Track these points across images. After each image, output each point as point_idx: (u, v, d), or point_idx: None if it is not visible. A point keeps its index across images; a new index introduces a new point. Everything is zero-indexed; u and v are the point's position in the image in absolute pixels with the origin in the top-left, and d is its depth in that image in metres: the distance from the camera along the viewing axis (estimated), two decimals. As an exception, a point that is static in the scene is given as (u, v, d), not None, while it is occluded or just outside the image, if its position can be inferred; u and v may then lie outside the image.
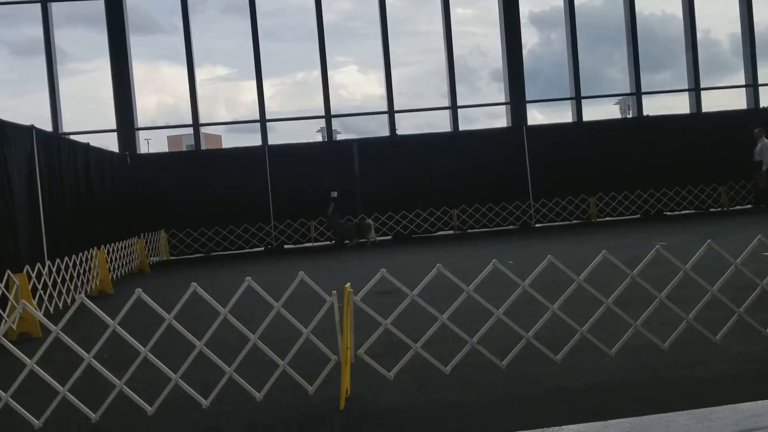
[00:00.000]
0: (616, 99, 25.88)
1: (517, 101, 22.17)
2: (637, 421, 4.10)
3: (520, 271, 5.46)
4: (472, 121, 28.44)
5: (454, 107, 22.11)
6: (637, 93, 22.79)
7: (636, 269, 5.21)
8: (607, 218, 21.11)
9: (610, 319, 5.78)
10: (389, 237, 20.42)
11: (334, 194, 19.24)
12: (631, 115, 24.06)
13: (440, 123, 23.07)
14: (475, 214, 20.67)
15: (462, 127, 22.10)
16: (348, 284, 5.00)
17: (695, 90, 22.95)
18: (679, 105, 24.18)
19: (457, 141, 21.04)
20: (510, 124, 22.09)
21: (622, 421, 4.12)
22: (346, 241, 19.16)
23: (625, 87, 23.49)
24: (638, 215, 21.25)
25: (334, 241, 19.78)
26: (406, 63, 35.68)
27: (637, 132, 21.36)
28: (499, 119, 23.37)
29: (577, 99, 22.52)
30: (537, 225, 20.97)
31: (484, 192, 20.57)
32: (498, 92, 23.42)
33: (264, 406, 4.91)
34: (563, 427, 4.14)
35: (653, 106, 25.77)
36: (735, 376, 4.92)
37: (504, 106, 22.65)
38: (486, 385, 5.09)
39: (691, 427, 3.95)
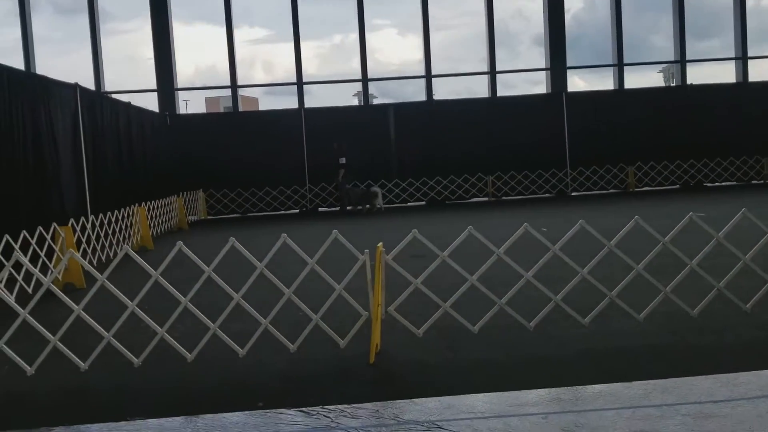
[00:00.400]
0: (660, 67, 25.22)
1: (557, 67, 21.79)
2: (661, 383, 4.16)
3: (553, 238, 5.50)
4: (511, 87, 28.10)
5: (492, 72, 21.85)
6: (682, 61, 22.19)
7: (668, 236, 5.22)
8: (646, 188, 20.81)
9: (640, 285, 5.80)
10: (423, 202, 20.47)
11: (343, 160, 19.06)
12: (674, 84, 23.48)
13: (479, 89, 22.85)
14: (510, 181, 20.56)
15: (501, 93, 21.85)
16: (380, 244, 5.11)
17: (742, 59, 22.24)
18: (724, 74, 23.52)
19: (494, 107, 20.84)
20: (549, 91, 21.77)
21: (645, 382, 4.19)
22: (349, 207, 19.22)
23: (670, 54, 22.89)
24: (677, 186, 20.90)
25: (338, 207, 19.75)
26: (445, 27, 35.23)
27: (679, 101, 20.88)
28: (538, 86, 23.06)
29: (620, 66, 22.03)
30: (573, 193, 20.78)
31: (520, 159, 20.41)
32: (539, 58, 23.05)
33: (297, 358, 5.10)
34: (587, 386, 4.23)
35: (698, 75, 25.15)
36: (763, 343, 4.93)
37: (544, 72, 22.29)
38: (513, 345, 5.19)
39: (715, 391, 4.01)
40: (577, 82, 26.21)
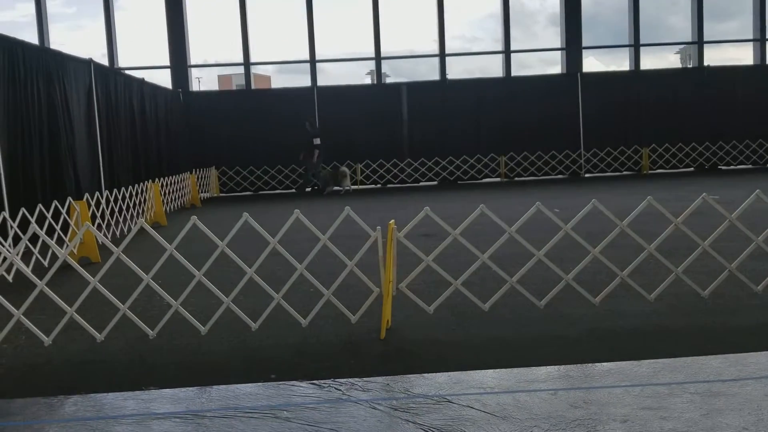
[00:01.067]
0: (676, 48, 24.98)
1: (573, 47, 21.57)
2: (670, 362, 4.18)
3: (566, 218, 5.51)
4: (526, 67, 27.86)
5: (507, 52, 21.66)
6: (699, 42, 21.89)
7: (680, 217, 5.21)
8: (660, 170, 20.69)
9: (652, 266, 5.82)
10: (435, 182, 20.47)
11: (317, 141, 18.65)
12: (691, 65, 23.20)
13: (493, 68, 22.61)
14: (523, 161, 20.49)
15: (515, 73, 21.68)
16: (392, 221, 5.14)
17: (761, 41, 21.92)
18: (742, 56, 23.19)
19: (508, 87, 20.71)
20: (565, 71, 21.58)
21: (654, 361, 4.22)
22: (311, 188, 19.13)
23: (687, 35, 22.59)
24: (692, 168, 20.75)
25: (309, 189, 19.41)
26: (460, 5, 34.90)
27: (696, 82, 20.67)
28: (553, 66, 22.88)
29: (636, 47, 21.77)
30: (587, 175, 20.69)
31: (534, 140, 20.32)
32: (554, 37, 22.77)
33: (308, 333, 5.16)
34: (596, 364, 4.26)
35: (715, 57, 24.82)
36: (774, 326, 4.93)
37: (559, 53, 22.07)
38: (523, 323, 5.22)
39: (724, 370, 4.02)
40: (592, 63, 25.95)
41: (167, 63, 21.14)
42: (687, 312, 5.31)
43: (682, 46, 24.31)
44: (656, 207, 5.24)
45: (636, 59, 21.80)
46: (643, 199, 5.32)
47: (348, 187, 18.70)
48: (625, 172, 20.70)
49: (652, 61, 23.37)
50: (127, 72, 17.97)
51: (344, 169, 18.99)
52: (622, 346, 4.58)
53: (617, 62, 26.58)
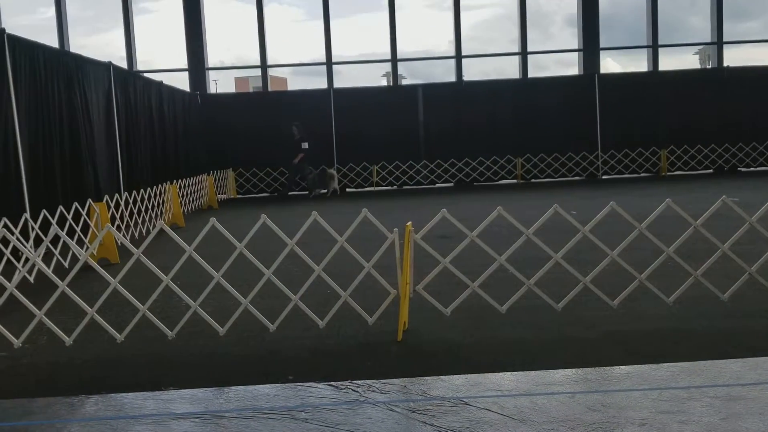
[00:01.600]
0: (696, 48, 24.71)
1: (590, 48, 21.46)
2: (689, 366, 4.16)
3: (583, 220, 5.49)
4: (543, 68, 27.72)
5: (523, 53, 21.59)
6: (719, 42, 21.69)
7: (699, 219, 5.17)
8: (678, 172, 20.51)
9: (670, 269, 5.78)
10: (451, 184, 20.44)
11: (305, 145, 18.48)
12: (710, 66, 22.98)
13: (510, 70, 22.55)
14: (539, 163, 20.40)
15: (532, 75, 21.60)
16: (409, 223, 5.15)
17: (782, 40, 21.68)
18: (763, 56, 22.94)
19: (524, 88, 20.64)
20: (582, 73, 21.47)
21: (673, 365, 4.19)
22: (295, 189, 19.07)
23: (706, 36, 22.39)
24: (711, 170, 20.54)
25: (288, 191, 19.28)
26: (476, 6, 34.85)
27: (715, 83, 20.46)
28: (570, 67, 22.69)
29: (654, 47, 21.62)
30: (604, 177, 20.56)
31: (550, 141, 20.23)
32: (571, 39, 22.67)
33: (325, 334, 5.18)
34: (614, 367, 4.24)
35: (735, 57, 24.55)
36: (796, 330, 4.88)
37: (576, 54, 21.97)
38: (541, 326, 5.20)
39: (744, 374, 3.99)
40: (610, 64, 25.74)
41: (185, 66, 21.31)
42: (706, 315, 5.27)
43: (701, 46, 24.07)
44: (675, 209, 5.21)
45: (654, 60, 21.64)
46: (661, 201, 5.29)
47: (334, 189, 18.73)
48: (643, 174, 20.54)
49: (670, 61, 23.13)
50: (146, 75, 18.15)
51: (332, 171, 19.02)
52: (640, 350, 4.55)
53: (635, 63, 26.36)
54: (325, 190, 18.70)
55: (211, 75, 22.87)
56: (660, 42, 21.63)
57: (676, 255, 5.21)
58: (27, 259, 7.85)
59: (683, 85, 20.35)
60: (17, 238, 7.25)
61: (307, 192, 19.08)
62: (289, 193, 19.30)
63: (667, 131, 20.32)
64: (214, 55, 22.69)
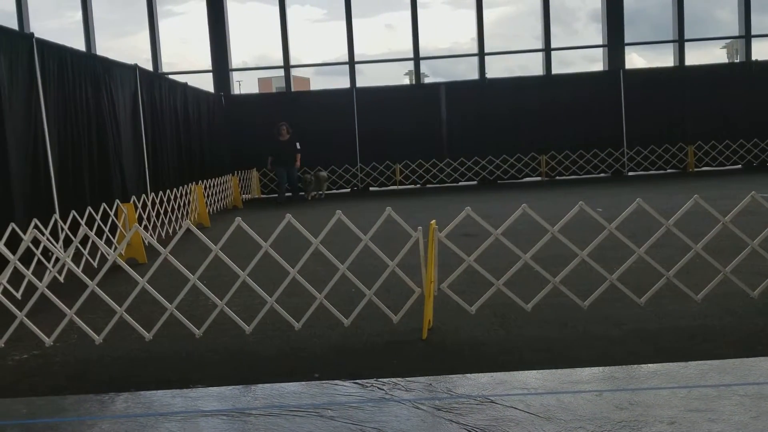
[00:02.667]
0: (723, 42, 24.31)
1: (615, 44, 21.21)
2: (718, 364, 4.10)
3: (609, 217, 5.44)
4: (568, 64, 27.47)
5: (547, 49, 21.42)
6: (747, 36, 21.30)
7: (728, 216, 5.09)
8: (706, 168, 20.21)
9: (698, 266, 5.71)
10: (475, 182, 20.36)
11: (298, 145, 17.75)
12: (738, 60, 22.60)
13: (534, 67, 22.44)
14: (564, 160, 20.24)
15: (556, 71, 21.42)
16: (433, 221, 5.15)
17: (813, 32, 21.24)
18: (792, 49, 22.43)
19: (548, 85, 20.47)
20: (607, 68, 21.24)
21: (702, 363, 4.14)
22: (299, 193, 18.08)
23: (734, 29, 22.01)
24: (739, 165, 20.21)
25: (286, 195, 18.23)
26: (499, 3, 34.67)
27: (743, 77, 20.12)
28: (596, 63, 22.47)
29: (680, 42, 21.31)
30: (630, 173, 20.34)
31: (575, 138, 20.05)
32: (596, 34, 22.47)
33: (350, 332, 5.20)
34: (642, 365, 4.20)
35: (764, 51, 24.06)
36: (828, 327, 4.79)
37: (601, 49, 21.74)
38: (566, 324, 5.17)
39: (775, 373, 3.93)
40: (635, 59, 25.39)
41: (209, 67, 21.50)
42: (735, 312, 5.20)
43: (728, 40, 23.67)
44: (703, 205, 5.14)
45: (680, 55, 21.33)
46: (688, 197, 5.22)
47: (319, 193, 18.32)
48: (669, 171, 20.28)
49: (697, 56, 22.85)
50: (171, 77, 18.34)
51: (324, 173, 18.63)
52: (668, 348, 4.50)
53: (661, 58, 26.01)
54: (315, 193, 18.02)
55: (235, 76, 23.06)
56: (686, 36, 21.31)
57: (704, 252, 5.14)
58: (57, 260, 7.99)
59: (710, 80, 20.04)
60: (47, 239, 7.38)
61: (303, 194, 18.19)
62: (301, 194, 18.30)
63: (694, 126, 20.03)
64: (237, 56, 22.89)
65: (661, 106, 19.96)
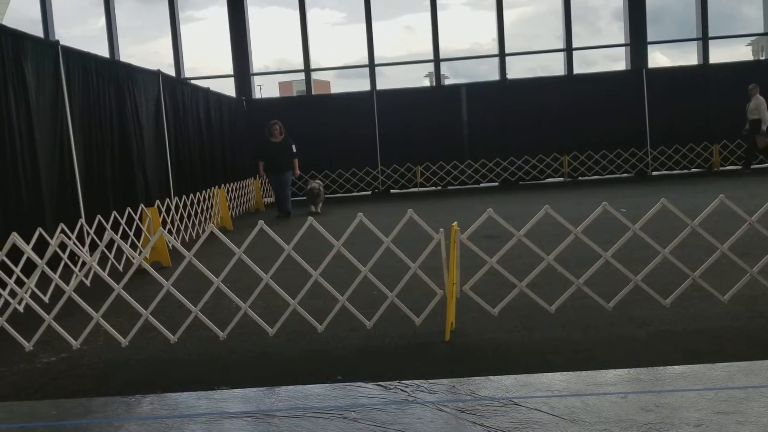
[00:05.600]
0: (748, 40, 23.95)
1: (637, 42, 21.02)
2: (746, 365, 4.04)
3: (633, 218, 5.39)
4: (590, 64, 27.25)
5: (569, 49, 21.28)
6: (773, 32, 21.00)
7: (755, 215, 5.02)
8: (731, 167, 19.92)
9: (725, 266, 5.63)
10: (496, 183, 20.28)
11: (294, 149, 15.12)
12: (764, 57, 22.27)
13: (555, 66, 22.29)
14: (587, 161, 20.07)
15: (579, 71, 21.27)
16: (455, 223, 5.14)
17: (841, 28, 20.86)
18: (820, 45, 22.05)
19: (570, 85, 20.33)
20: (629, 67, 21.04)
21: (729, 364, 4.08)
22: (287, 209, 14.88)
23: (759, 26, 21.69)
24: (766, 164, 19.89)
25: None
26: (519, 3, 34.52)
27: (769, 75, 19.80)
28: (618, 62, 22.26)
29: (704, 40, 21.04)
30: (654, 173, 20.11)
31: (598, 138, 19.88)
32: (618, 33, 22.26)
33: (373, 335, 5.21)
34: (667, 367, 4.16)
35: (790, 47, 23.64)
36: None
37: (624, 48, 21.54)
38: (591, 325, 5.13)
39: (805, 375, 3.86)
40: (658, 58, 25.12)
41: (231, 72, 21.68)
42: (763, 313, 5.12)
43: (753, 37, 23.32)
44: (729, 205, 5.07)
45: (704, 53, 21.07)
46: (714, 197, 5.16)
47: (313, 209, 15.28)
48: (694, 170, 20.02)
49: (721, 54, 22.50)
50: (193, 82, 18.53)
51: (317, 184, 15.63)
52: (694, 349, 4.45)
53: (684, 56, 25.70)
54: (315, 207, 15.20)
55: (256, 80, 23.21)
56: (710, 34, 21.04)
57: (730, 252, 5.07)
58: (84, 263, 8.11)
59: (735, 78, 19.75)
60: (74, 243, 7.49)
61: (289, 212, 15.01)
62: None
63: (719, 125, 19.75)
64: (258, 61, 23.03)
65: (685, 105, 19.72)
